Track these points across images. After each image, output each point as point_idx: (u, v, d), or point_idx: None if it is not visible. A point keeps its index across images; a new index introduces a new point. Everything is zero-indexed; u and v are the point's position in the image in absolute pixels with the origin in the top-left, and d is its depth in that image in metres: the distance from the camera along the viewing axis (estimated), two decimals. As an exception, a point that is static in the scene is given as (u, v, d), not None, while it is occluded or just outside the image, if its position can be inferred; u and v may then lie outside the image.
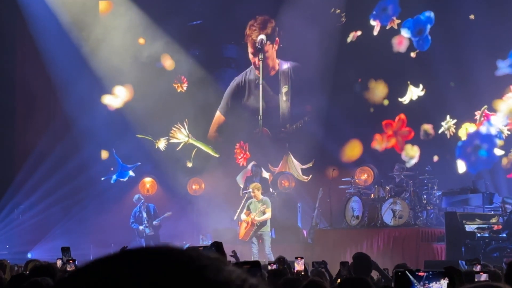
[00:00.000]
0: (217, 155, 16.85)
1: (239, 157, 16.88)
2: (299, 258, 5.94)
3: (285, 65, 17.08)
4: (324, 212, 14.58)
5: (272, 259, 11.39)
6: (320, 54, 15.51)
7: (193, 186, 16.93)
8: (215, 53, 17.56)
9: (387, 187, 13.61)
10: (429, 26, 15.30)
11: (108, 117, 16.28)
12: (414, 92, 15.40)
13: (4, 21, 16.13)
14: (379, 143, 15.78)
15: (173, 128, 16.82)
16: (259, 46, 16.75)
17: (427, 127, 15.36)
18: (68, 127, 16.22)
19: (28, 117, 16.51)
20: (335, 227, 14.02)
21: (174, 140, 16.81)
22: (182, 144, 16.78)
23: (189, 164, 16.86)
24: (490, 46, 14.33)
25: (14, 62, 16.50)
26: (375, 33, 15.92)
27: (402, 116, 15.59)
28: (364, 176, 15.39)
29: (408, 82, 15.43)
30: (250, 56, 17.11)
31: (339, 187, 14.51)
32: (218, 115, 17.22)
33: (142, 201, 15.24)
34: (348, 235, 13.43)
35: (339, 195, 14.28)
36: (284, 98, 16.88)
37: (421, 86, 15.36)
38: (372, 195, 13.79)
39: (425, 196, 13.46)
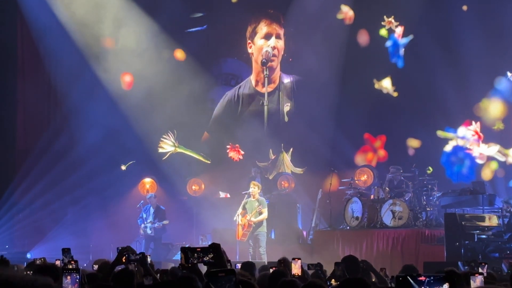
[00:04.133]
0: (208, 162, 16.74)
1: (235, 158, 16.75)
2: (296, 259, 5.71)
3: (287, 79, 16.64)
4: (324, 213, 14.63)
5: (266, 259, 11.42)
6: (325, 65, 15.46)
7: (193, 187, 16.89)
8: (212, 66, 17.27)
9: (387, 188, 13.67)
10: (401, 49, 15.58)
11: (109, 112, 16.10)
12: (385, 85, 15.61)
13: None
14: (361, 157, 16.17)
15: (161, 139, 16.63)
16: (264, 60, 16.33)
17: (414, 143, 15.38)
18: (68, 125, 16.21)
19: (28, 114, 16.40)
20: (334, 228, 14.01)
21: (161, 150, 16.66)
22: (169, 154, 16.66)
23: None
24: (485, 39, 14.38)
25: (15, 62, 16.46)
26: (346, 22, 15.88)
27: (383, 138, 15.91)
28: (363, 177, 15.37)
29: (390, 76, 15.53)
30: (254, 64, 16.64)
31: (339, 188, 14.57)
32: (206, 135, 17.05)
33: (149, 199, 15.09)
34: (348, 236, 13.41)
35: (339, 196, 14.28)
36: (286, 119, 16.56)
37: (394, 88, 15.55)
38: (371, 196, 13.83)
39: (424, 197, 13.47)
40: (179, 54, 16.84)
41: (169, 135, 16.52)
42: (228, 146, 16.75)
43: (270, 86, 16.67)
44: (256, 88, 16.82)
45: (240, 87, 17.00)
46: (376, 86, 15.70)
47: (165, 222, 14.87)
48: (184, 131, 16.59)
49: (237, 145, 16.72)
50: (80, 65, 15.92)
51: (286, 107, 16.60)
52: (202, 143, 17.04)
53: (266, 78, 16.37)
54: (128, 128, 16.08)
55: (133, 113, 16.14)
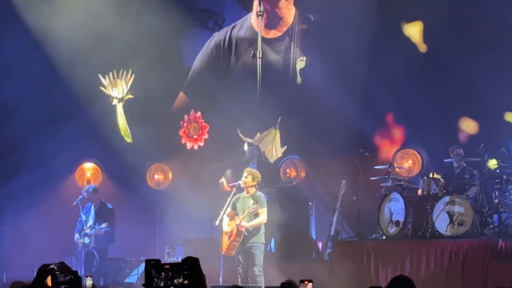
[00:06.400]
0: (129, 141, 16.67)
1: (189, 141, 16.58)
2: (305, 282, 6.01)
3: (303, 21, 16.61)
4: (349, 216, 14.69)
5: (263, 283, 11.45)
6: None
7: (156, 176, 17.03)
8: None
9: (442, 180, 13.60)
10: None
11: (32, 55, 16.17)
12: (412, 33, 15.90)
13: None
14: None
15: (110, 74, 16.59)
16: None
17: (470, 124, 15.50)
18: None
19: None
20: (364, 238, 14.11)
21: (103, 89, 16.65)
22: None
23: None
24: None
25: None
26: None
27: (402, 130, 16.22)
28: (407, 163, 15.74)
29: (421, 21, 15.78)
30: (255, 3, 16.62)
31: (371, 178, 14.48)
32: (182, 97, 17.14)
33: (86, 193, 14.98)
34: (384, 249, 13.51)
35: (371, 191, 14.35)
36: (299, 80, 16.44)
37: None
38: (419, 191, 13.81)
39: (497, 193, 13.47)
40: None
41: (129, 75, 16.46)
42: (185, 117, 16.56)
43: (278, 29, 16.59)
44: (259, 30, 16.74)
45: (234, 27, 17.01)
46: (405, 32, 15.93)
47: (103, 225, 14.62)
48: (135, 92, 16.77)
49: (201, 121, 16.56)
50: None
51: (300, 63, 16.60)
52: (173, 111, 16.98)
53: (260, 17, 16.32)
54: (60, 80, 15.93)
55: (67, 59, 16.03)
